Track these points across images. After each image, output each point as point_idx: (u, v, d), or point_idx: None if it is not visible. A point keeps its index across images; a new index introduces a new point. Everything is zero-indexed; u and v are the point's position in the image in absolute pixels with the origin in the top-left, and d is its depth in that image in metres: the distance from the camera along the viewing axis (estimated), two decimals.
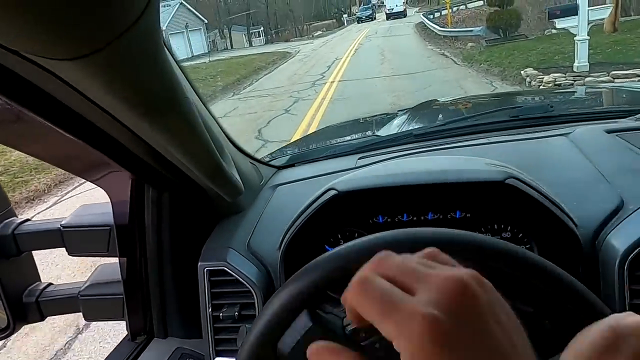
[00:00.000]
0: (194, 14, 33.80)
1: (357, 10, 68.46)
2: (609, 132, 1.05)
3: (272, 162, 1.31)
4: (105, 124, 0.60)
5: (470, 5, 31.10)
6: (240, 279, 0.84)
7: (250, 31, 45.16)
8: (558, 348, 0.34)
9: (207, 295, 0.86)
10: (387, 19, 37.70)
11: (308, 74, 13.81)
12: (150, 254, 0.91)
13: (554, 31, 12.07)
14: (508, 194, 0.79)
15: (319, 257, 0.51)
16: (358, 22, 43.24)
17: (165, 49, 0.48)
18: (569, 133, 1.10)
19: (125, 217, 0.86)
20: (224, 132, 0.96)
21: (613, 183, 0.85)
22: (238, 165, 0.93)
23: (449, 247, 0.35)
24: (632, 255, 0.69)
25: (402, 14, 37.60)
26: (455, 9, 29.08)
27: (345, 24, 51.55)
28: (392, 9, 38.22)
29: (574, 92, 2.28)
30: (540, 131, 1.17)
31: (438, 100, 1.97)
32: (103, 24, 0.35)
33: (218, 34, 41.27)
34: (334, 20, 59.42)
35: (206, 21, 35.20)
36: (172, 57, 0.64)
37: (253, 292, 0.84)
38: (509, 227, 0.85)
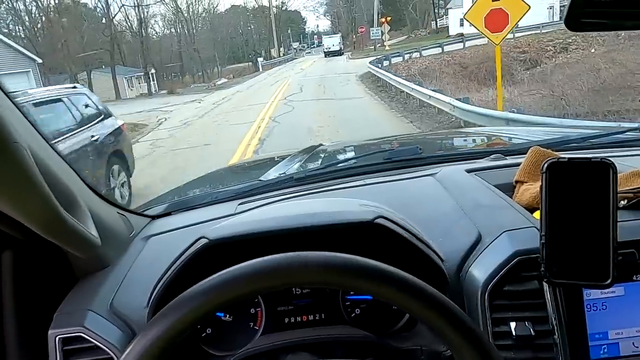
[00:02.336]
0: (12, 48, 21.23)
1: (276, 54, 55.65)
2: (468, 171, 1.14)
3: (146, 212, 1.23)
4: None
5: (427, 53, 23.08)
6: (100, 345, 0.77)
7: (128, 76, 33.76)
8: None
9: None
10: (325, 57, 42.27)
11: None
12: None
13: None
14: (378, 233, 0.82)
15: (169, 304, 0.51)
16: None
17: None
18: (436, 173, 1.18)
19: None
20: (83, 181, 0.89)
21: (472, 218, 0.92)
22: (99, 216, 0.87)
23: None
24: (490, 285, 0.75)
25: (338, 53, 42.33)
26: (407, 56, 22.72)
27: (261, 69, 42.82)
28: (330, 48, 43.28)
29: (441, 135, 2.54)
30: (411, 172, 1.25)
31: (322, 145, 2.00)
32: None
33: (69, 80, 28.01)
34: (251, 63, 50.38)
35: (39, 60, 22.58)
36: (8, 97, 0.61)
37: (115, 358, 0.76)
38: None
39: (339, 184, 1.23)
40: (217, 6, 58.24)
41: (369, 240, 0.85)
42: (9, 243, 0.78)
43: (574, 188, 0.66)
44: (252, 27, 63.21)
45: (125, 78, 32.86)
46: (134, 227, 1.10)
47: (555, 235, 0.66)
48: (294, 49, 72.91)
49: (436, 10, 51.71)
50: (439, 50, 22.77)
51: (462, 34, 29.18)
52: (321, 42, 56.01)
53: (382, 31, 34.60)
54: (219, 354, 0.87)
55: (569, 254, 0.66)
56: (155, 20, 55.96)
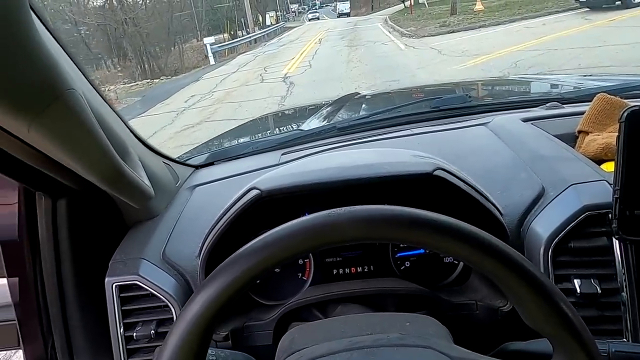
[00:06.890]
0: None
1: (251, 26, 30.79)
2: (524, 120, 1.08)
3: (189, 161, 1.23)
4: None
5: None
6: (156, 293, 0.78)
7: None
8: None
9: (117, 314, 0.79)
10: (339, 17, 46.86)
11: None
12: (47, 271, 0.81)
13: None
14: (435, 185, 0.78)
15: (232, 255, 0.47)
16: None
17: (39, 32, 0.42)
18: (488, 122, 1.12)
19: (13, 231, 0.78)
20: (131, 130, 0.87)
21: (533, 170, 0.87)
22: (148, 167, 0.86)
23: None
24: (555, 241, 0.72)
25: (347, 14, 47.41)
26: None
27: (213, 61, 19.33)
28: (342, 11, 49.07)
29: (489, 82, 2.38)
30: (460, 121, 1.19)
31: (360, 93, 1.95)
32: None
33: None
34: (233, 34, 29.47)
35: None
36: (57, 41, 0.56)
37: (171, 306, 0.78)
38: None
39: (384, 133, 1.19)
40: None
41: (424, 191, 0.82)
42: (63, 192, 0.78)
43: None
44: None
45: None
46: (179, 176, 1.09)
47: (630, 189, 0.62)
48: (293, 11, 58.95)
49: None
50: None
51: None
52: (323, 3, 69.12)
53: None
54: (269, 303, 0.87)
55: None
56: None
